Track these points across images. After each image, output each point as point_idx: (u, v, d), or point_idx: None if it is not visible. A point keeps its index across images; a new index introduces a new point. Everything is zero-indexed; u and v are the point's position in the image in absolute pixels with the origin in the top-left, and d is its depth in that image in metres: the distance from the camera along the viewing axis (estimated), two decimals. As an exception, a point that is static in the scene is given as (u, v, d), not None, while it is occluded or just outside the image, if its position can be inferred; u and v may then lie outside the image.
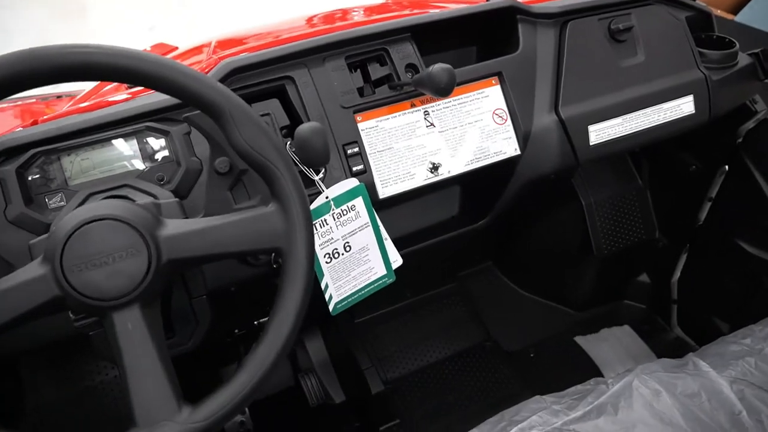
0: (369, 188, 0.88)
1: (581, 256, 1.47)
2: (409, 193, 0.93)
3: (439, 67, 0.83)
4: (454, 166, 0.96)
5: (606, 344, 1.54)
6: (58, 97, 1.33)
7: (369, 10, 1.33)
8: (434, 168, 0.94)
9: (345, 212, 0.86)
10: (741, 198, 1.26)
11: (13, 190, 0.73)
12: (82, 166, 0.79)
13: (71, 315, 0.67)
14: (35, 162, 0.76)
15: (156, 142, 0.81)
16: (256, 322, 1.27)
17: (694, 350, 0.93)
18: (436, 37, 1.01)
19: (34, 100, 1.24)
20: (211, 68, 0.86)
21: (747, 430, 0.80)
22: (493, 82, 0.99)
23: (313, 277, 0.63)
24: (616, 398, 0.86)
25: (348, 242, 0.87)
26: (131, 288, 0.55)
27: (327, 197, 0.84)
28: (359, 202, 0.88)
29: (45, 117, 0.86)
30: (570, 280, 1.54)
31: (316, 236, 0.82)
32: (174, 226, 0.59)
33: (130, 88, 0.98)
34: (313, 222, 0.73)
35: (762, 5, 1.70)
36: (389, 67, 0.93)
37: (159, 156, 0.80)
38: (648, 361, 0.93)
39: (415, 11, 1.22)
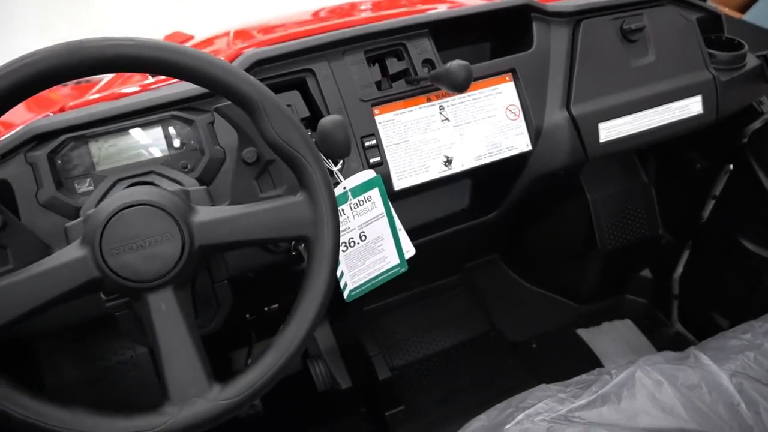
0: (385, 180, 0.91)
1: (585, 250, 1.50)
2: (423, 185, 0.96)
3: (456, 64, 0.85)
4: (467, 159, 0.98)
5: (607, 337, 1.57)
6: (77, 82, 1.35)
7: (377, 5, 1.35)
8: (448, 161, 0.97)
9: (362, 203, 0.89)
10: (745, 197, 1.29)
11: (44, 174, 0.76)
12: (109, 152, 0.81)
13: (102, 296, 0.70)
14: (65, 147, 0.78)
15: (181, 131, 0.83)
16: (266, 308, 1.30)
17: (693, 345, 0.96)
18: (452, 33, 1.03)
19: (68, 87, 1.27)
20: (232, 59, 0.88)
21: (745, 420, 0.83)
22: (507, 78, 1.01)
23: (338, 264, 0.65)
24: (619, 388, 0.88)
25: (364, 232, 0.90)
26: (165, 271, 0.58)
27: (345, 188, 0.87)
28: (375, 193, 0.90)
29: (72, 104, 0.89)
30: (574, 273, 1.57)
31: None
32: (205, 213, 0.61)
33: (144, 78, 1.00)
34: None
35: (770, 5, 1.72)
36: (406, 61, 0.95)
37: (183, 144, 0.83)
38: (648, 354, 0.96)
39: (426, 6, 1.23)
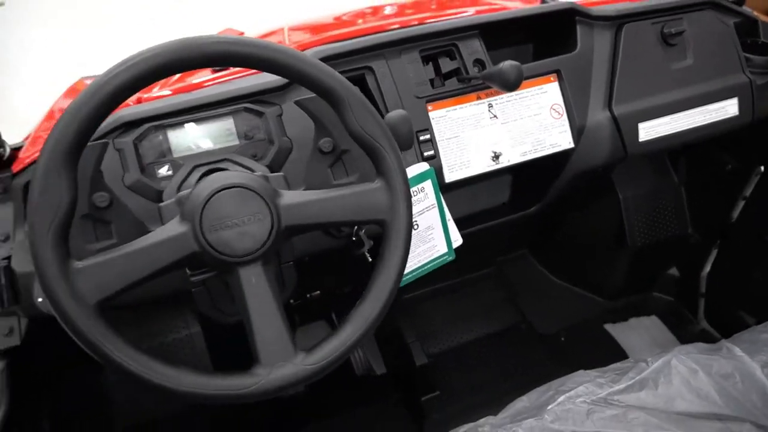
0: (437, 172, 0.97)
1: (615, 247, 1.54)
2: (471, 178, 1.01)
3: (509, 64, 0.91)
4: (513, 155, 1.03)
5: (634, 333, 1.61)
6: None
7: (403, 7, 1.40)
8: (495, 156, 1.02)
9: (415, 193, 0.94)
10: None
11: (130, 159, 0.82)
12: (186, 140, 0.87)
13: (187, 271, 0.76)
14: (147, 135, 0.85)
15: (251, 122, 0.89)
16: (308, 295, 1.36)
17: None
18: (499, 35, 1.08)
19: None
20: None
21: (777, 408, 0.87)
22: (552, 79, 1.06)
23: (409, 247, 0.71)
24: (656, 374, 0.93)
25: (416, 221, 0.96)
26: (256, 248, 0.64)
27: (402, 179, 0.92)
28: (428, 185, 0.96)
29: (147, 95, 0.95)
30: (602, 269, 1.62)
31: None
32: (290, 196, 0.67)
33: (217, 71, 1.06)
34: None
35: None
36: (458, 61, 1.01)
37: (253, 135, 0.89)
38: (675, 349, 1.00)
39: (468, 9, 1.28)
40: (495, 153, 1.02)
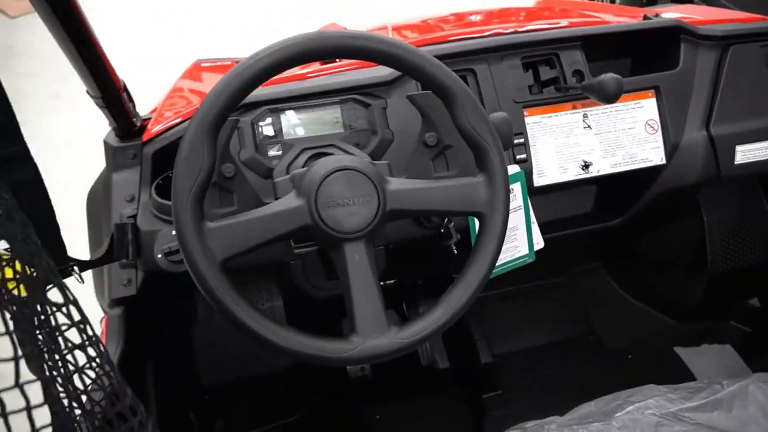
0: (527, 175, 1.00)
1: (694, 270, 1.52)
2: (558, 185, 1.04)
3: (610, 77, 0.93)
4: (603, 166, 1.05)
5: (706, 359, 1.57)
6: (236, 62, 1.52)
7: (491, 15, 1.43)
8: (585, 166, 1.04)
9: (505, 194, 0.98)
10: None
11: (248, 137, 0.90)
12: (296, 124, 0.95)
13: (292, 243, 0.83)
14: (263, 117, 0.93)
15: (357, 113, 0.96)
16: (383, 283, 1.42)
17: None
18: (599, 47, 1.10)
19: (230, 62, 1.44)
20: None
21: None
22: (650, 94, 1.07)
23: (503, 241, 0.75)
24: (731, 397, 0.93)
25: (504, 220, 0.99)
26: (362, 227, 0.70)
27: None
28: (517, 187, 0.99)
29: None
30: (677, 291, 1.59)
31: None
32: (397, 183, 0.73)
33: (325, 63, 1.14)
34: None
35: None
36: (557, 70, 1.04)
37: (358, 124, 0.95)
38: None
39: (560, 21, 1.30)
40: (585, 162, 1.04)
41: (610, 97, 0.94)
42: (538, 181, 1.02)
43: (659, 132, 1.07)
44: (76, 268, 0.85)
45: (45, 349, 0.43)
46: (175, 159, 0.68)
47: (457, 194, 0.72)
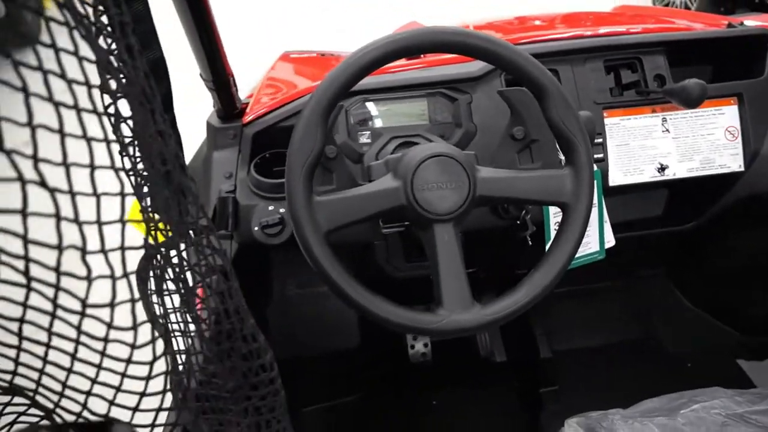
0: (602, 175, 1.03)
1: (763, 281, 1.50)
2: (633, 186, 1.06)
3: (694, 82, 0.95)
4: (679, 170, 1.07)
5: (769, 374, 1.55)
6: (322, 55, 1.60)
7: (553, 20, 1.45)
8: (661, 169, 1.06)
9: (580, 191, 1.01)
10: None
11: (341, 123, 0.97)
12: (386, 114, 1.01)
13: (381, 223, 0.90)
14: (356, 105, 1.00)
15: (443, 106, 1.01)
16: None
17: None
18: (682, 53, 1.11)
19: (315, 54, 1.52)
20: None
21: None
22: (732, 101, 1.08)
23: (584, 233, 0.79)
24: (800, 405, 0.93)
25: (577, 216, 1.03)
26: (452, 210, 0.75)
27: (570, 175, 1.00)
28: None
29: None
30: (744, 303, 1.57)
31: (552, 207, 0.99)
32: (486, 171, 0.78)
33: (411, 58, 1.19)
34: None
35: None
36: (639, 74, 1.06)
37: (442, 117, 1.01)
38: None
39: (636, 26, 1.31)
40: (661, 165, 1.06)
41: (692, 101, 0.96)
42: (614, 180, 1.05)
43: (739, 139, 1.08)
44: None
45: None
46: (273, 140, 0.75)
47: (544, 185, 0.77)
